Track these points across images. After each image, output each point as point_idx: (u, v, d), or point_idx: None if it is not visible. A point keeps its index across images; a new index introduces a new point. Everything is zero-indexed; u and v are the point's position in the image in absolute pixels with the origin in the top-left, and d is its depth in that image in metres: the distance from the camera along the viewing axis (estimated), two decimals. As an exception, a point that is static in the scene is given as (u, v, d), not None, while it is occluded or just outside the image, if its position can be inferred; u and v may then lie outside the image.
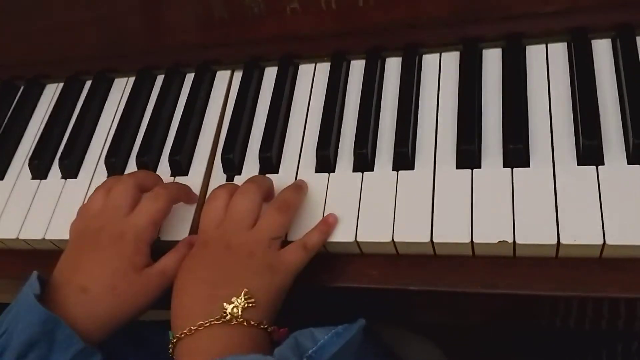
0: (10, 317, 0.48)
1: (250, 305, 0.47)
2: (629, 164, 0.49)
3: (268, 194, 0.54)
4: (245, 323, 0.46)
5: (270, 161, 0.58)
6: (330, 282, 0.53)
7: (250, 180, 0.54)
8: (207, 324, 0.46)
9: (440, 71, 0.60)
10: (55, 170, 0.66)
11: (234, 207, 0.52)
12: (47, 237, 0.60)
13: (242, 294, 0.47)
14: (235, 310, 0.46)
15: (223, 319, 0.46)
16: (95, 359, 0.48)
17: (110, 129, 0.68)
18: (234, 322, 0.46)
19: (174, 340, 0.48)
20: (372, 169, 0.55)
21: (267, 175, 0.58)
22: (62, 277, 0.51)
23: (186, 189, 0.58)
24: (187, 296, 0.49)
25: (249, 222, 0.51)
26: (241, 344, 0.46)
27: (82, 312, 0.49)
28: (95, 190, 0.56)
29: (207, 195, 0.56)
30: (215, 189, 0.54)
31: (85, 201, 0.59)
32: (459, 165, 0.53)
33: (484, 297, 0.50)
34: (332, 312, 0.54)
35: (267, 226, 0.51)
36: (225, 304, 0.47)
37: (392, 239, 0.50)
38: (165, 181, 0.59)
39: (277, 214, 0.52)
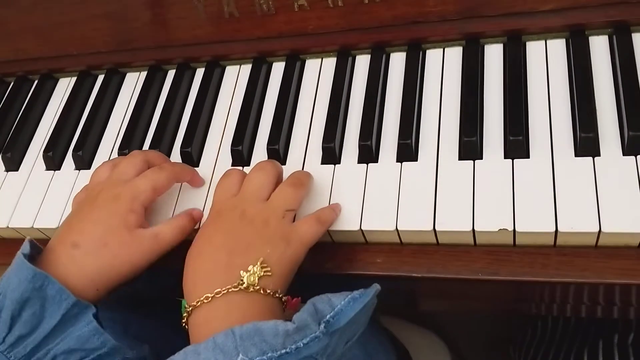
0: (4, 280, 0.49)
1: (266, 273, 0.47)
2: (624, 155, 0.50)
3: (279, 177, 0.55)
4: (261, 291, 0.47)
5: (277, 153, 0.59)
6: (335, 270, 0.54)
7: (265, 160, 0.55)
8: (225, 291, 0.46)
9: (444, 66, 0.61)
10: (68, 162, 0.67)
11: (250, 180, 0.53)
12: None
13: (259, 262, 0.48)
14: (252, 278, 0.47)
15: (240, 286, 0.47)
16: (89, 312, 0.49)
17: (122, 122, 0.69)
18: (251, 289, 0.47)
19: (189, 308, 0.48)
20: (376, 161, 0.56)
21: (274, 166, 0.60)
22: (57, 239, 0.52)
23: (191, 170, 0.59)
24: (206, 263, 0.49)
25: (264, 195, 0.52)
26: (257, 312, 0.47)
27: (73, 268, 0.50)
28: (101, 164, 0.58)
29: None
30: (228, 169, 0.55)
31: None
32: (461, 157, 0.54)
33: (484, 284, 0.51)
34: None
35: (282, 198, 0.52)
36: (242, 271, 0.47)
37: (396, 228, 0.51)
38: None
39: (291, 188, 0.53)
